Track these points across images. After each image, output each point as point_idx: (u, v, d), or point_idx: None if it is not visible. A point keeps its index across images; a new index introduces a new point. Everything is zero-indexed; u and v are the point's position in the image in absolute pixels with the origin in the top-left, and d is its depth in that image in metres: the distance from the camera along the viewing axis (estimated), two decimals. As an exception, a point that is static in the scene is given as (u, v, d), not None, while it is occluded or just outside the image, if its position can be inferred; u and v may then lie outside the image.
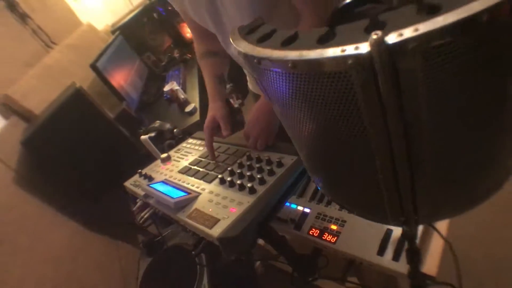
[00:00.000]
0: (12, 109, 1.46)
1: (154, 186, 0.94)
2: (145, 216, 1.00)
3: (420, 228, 0.78)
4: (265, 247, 1.04)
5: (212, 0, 0.83)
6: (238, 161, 0.88)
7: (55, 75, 1.73)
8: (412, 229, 0.55)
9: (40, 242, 1.23)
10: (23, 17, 1.78)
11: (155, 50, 2.76)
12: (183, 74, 2.35)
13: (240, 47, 0.40)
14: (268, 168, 0.79)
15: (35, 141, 1.34)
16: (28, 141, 1.33)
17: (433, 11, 0.27)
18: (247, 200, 0.72)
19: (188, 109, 1.89)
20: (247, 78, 1.31)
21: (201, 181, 0.91)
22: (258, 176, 0.77)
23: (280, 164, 0.80)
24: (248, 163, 0.85)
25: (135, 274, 1.44)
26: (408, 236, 0.55)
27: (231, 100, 2.10)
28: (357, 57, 0.27)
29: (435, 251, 0.79)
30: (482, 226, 1.37)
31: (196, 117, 1.82)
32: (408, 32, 0.26)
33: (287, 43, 0.35)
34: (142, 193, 0.99)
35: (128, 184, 1.13)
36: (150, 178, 1.08)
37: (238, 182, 0.78)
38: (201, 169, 0.97)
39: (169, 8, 2.54)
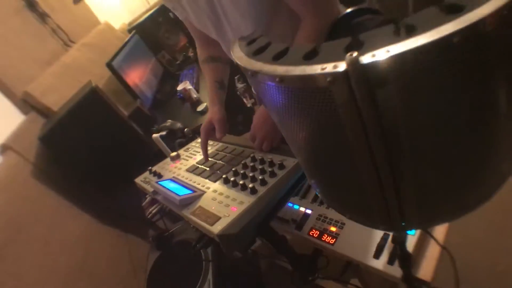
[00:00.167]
0: (31, 105, 1.53)
1: (162, 183, 0.98)
2: (153, 211, 1.05)
3: (417, 233, 0.79)
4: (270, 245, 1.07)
5: (214, 8, 0.86)
6: (243, 162, 0.91)
7: (72, 73, 1.80)
8: (401, 234, 0.57)
9: (55, 233, 1.29)
10: (43, 17, 1.85)
11: (170, 49, 2.81)
12: (197, 73, 2.39)
13: (237, 59, 0.43)
14: (270, 169, 0.81)
15: (53, 137, 1.40)
16: (45, 136, 1.39)
17: (409, 32, 0.29)
18: (248, 200, 0.75)
19: (200, 108, 1.93)
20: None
21: (207, 180, 0.94)
22: (260, 177, 0.80)
23: (281, 166, 0.82)
24: (251, 164, 0.88)
25: (144, 267, 1.49)
26: (397, 241, 0.57)
27: (244, 100, 2.13)
28: (335, 75, 0.30)
29: (431, 256, 0.80)
30: (485, 233, 1.36)
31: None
32: (380, 53, 0.28)
33: (278, 58, 0.38)
34: (151, 189, 1.04)
35: (138, 180, 1.17)
36: (159, 176, 1.12)
37: (241, 182, 0.81)
38: (207, 169, 1.01)
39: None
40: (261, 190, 0.77)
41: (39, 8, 1.83)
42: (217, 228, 0.69)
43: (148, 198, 1.05)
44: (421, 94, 0.30)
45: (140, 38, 2.44)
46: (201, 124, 1.82)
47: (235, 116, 0.94)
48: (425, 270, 0.78)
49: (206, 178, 0.96)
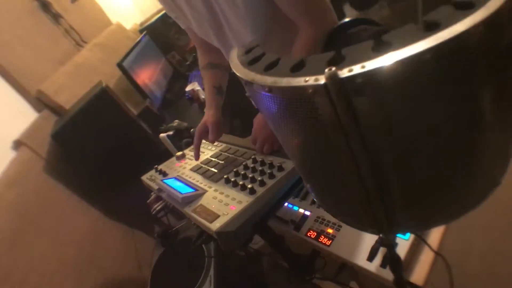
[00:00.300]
0: (44, 103, 1.59)
1: (167, 181, 1.02)
2: (158, 208, 1.09)
3: (411, 238, 0.81)
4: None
5: (215, 17, 0.90)
6: (244, 163, 0.94)
7: (84, 72, 1.85)
8: (389, 237, 0.59)
9: (64, 226, 1.34)
10: (56, 17, 1.91)
11: (180, 49, 2.85)
12: (205, 75, 2.42)
13: (233, 68, 0.46)
14: (269, 171, 0.84)
15: (64, 134, 1.45)
16: (57, 134, 1.45)
17: (385, 48, 0.32)
18: (246, 200, 0.78)
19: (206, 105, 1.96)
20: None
21: (209, 180, 0.97)
22: (259, 178, 0.82)
23: (280, 169, 0.85)
24: (252, 165, 0.91)
25: (149, 262, 1.53)
26: (385, 244, 0.59)
27: (253, 102, 2.17)
28: (316, 87, 0.33)
29: (425, 261, 0.81)
30: (486, 242, 1.36)
31: (214, 117, 1.89)
32: (357, 68, 0.31)
33: (269, 69, 0.40)
34: (156, 187, 1.07)
35: (144, 178, 1.21)
36: (164, 174, 1.16)
37: (241, 182, 0.84)
38: (210, 168, 1.04)
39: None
40: (260, 190, 0.80)
41: (52, 9, 1.89)
42: (215, 226, 0.72)
43: (153, 195, 1.09)
44: (396, 106, 0.33)
45: (151, 38, 2.49)
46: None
47: (249, 118, 0.97)
48: (418, 274, 0.80)
49: (208, 177, 0.99)
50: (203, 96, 2.06)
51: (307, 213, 1.00)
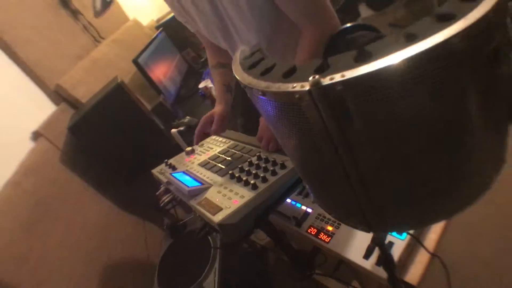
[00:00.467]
0: (62, 97, 1.66)
1: (175, 175, 1.06)
2: (166, 200, 1.13)
3: (407, 238, 0.83)
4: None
5: (222, 20, 0.93)
6: (249, 160, 0.98)
7: (101, 67, 1.91)
8: (379, 235, 0.62)
9: (78, 214, 1.40)
10: (75, 13, 1.97)
11: (195, 46, 2.89)
12: (218, 72, 2.46)
13: (234, 71, 0.50)
14: (272, 168, 0.87)
15: (80, 127, 1.52)
16: (74, 126, 1.51)
17: (366, 58, 0.35)
18: (248, 195, 0.81)
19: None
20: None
21: (215, 175, 1.01)
22: (262, 174, 0.86)
23: (283, 166, 0.88)
24: (256, 162, 0.94)
25: (157, 252, 1.58)
26: (375, 242, 0.62)
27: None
28: (301, 93, 0.36)
29: (420, 261, 0.84)
30: (490, 247, 1.35)
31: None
32: (337, 77, 0.34)
33: (264, 73, 0.44)
34: (165, 180, 1.12)
35: (155, 171, 1.26)
36: (174, 168, 1.20)
37: (244, 178, 0.87)
38: (217, 164, 1.08)
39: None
40: (262, 186, 0.83)
41: (71, 5, 1.96)
42: (218, 218, 0.76)
43: (162, 188, 1.14)
44: (374, 111, 0.36)
45: (167, 35, 2.54)
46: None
47: (253, 117, 1.01)
48: (413, 274, 0.82)
49: (215, 172, 1.03)
50: (215, 93, 2.10)
51: (309, 210, 1.03)
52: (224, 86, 1.15)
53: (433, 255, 0.84)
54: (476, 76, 0.37)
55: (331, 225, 0.94)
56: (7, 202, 1.14)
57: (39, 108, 1.55)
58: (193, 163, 1.18)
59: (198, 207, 0.86)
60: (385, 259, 0.66)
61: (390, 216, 0.51)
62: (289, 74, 0.40)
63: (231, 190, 0.87)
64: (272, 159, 0.92)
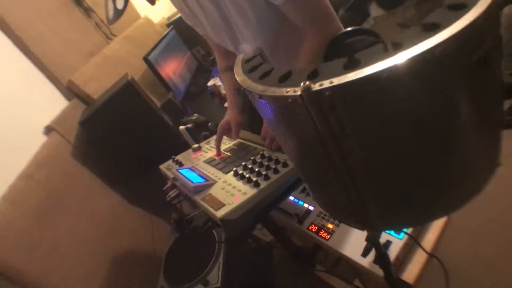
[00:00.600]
0: (74, 93, 1.70)
1: (182, 171, 1.09)
2: (172, 195, 1.17)
3: (404, 237, 0.85)
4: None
5: (229, 25, 0.95)
6: (252, 158, 1.00)
7: (112, 64, 1.96)
8: (373, 233, 0.64)
9: (87, 206, 1.45)
10: (88, 11, 2.02)
11: (205, 44, 2.92)
12: (227, 71, 2.48)
13: (236, 75, 0.52)
14: (274, 167, 0.90)
15: (91, 122, 1.56)
16: (85, 122, 1.56)
17: (354, 65, 0.37)
18: (250, 192, 0.84)
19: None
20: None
21: (220, 172, 1.04)
22: (264, 172, 0.88)
23: (285, 165, 0.90)
24: (260, 160, 0.97)
25: (164, 245, 1.62)
26: (370, 240, 0.64)
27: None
28: (294, 97, 0.38)
29: (417, 261, 0.85)
30: (493, 250, 1.36)
31: (233, 113, 1.95)
32: (326, 83, 0.36)
33: (263, 77, 0.46)
34: (172, 175, 1.15)
35: (162, 167, 1.30)
36: (180, 164, 1.24)
37: (247, 175, 0.90)
38: (222, 161, 1.11)
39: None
40: (263, 184, 0.86)
41: (84, 3, 2.00)
42: (220, 213, 0.79)
43: (169, 183, 1.17)
44: (361, 116, 0.38)
45: (177, 32, 2.57)
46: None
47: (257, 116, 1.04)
48: (410, 273, 0.84)
49: (219, 170, 1.06)
50: (223, 92, 2.13)
51: (311, 208, 1.05)
52: (235, 90, 1.18)
53: (431, 255, 0.86)
54: (462, 82, 0.39)
55: (332, 223, 0.96)
56: (20, 193, 1.18)
57: (52, 103, 1.60)
58: (199, 160, 1.22)
59: (202, 203, 0.89)
60: (380, 257, 0.68)
61: (381, 215, 0.53)
62: (285, 79, 0.42)
63: (234, 187, 0.90)
64: (275, 158, 0.94)
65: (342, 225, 0.95)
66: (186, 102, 2.35)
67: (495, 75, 0.45)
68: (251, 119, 1.30)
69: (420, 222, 0.59)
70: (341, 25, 0.83)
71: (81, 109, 1.68)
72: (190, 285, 1.31)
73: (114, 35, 2.17)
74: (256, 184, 0.86)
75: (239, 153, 1.11)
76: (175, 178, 1.13)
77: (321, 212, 1.02)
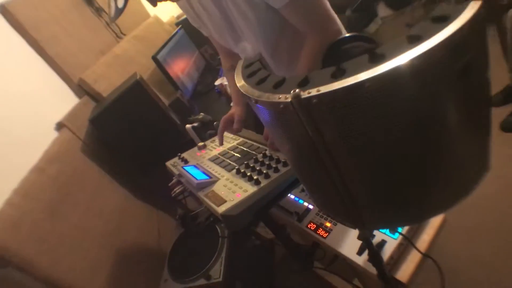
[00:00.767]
0: (85, 90, 1.75)
1: (186, 168, 1.13)
2: (177, 191, 1.21)
3: (399, 237, 0.88)
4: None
5: (233, 28, 0.99)
6: (255, 157, 1.04)
7: (122, 63, 2.00)
8: (364, 232, 0.67)
9: (95, 201, 1.50)
10: (98, 11, 2.07)
11: (212, 43, 2.96)
12: (234, 69, 2.51)
13: (236, 80, 0.55)
14: (275, 166, 0.93)
15: (101, 119, 1.61)
16: (95, 119, 1.61)
17: (341, 75, 0.40)
18: (251, 189, 0.88)
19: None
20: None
21: (223, 169, 1.08)
22: (265, 171, 0.92)
23: (285, 164, 0.94)
24: (261, 159, 1.00)
25: (169, 240, 1.67)
26: (361, 238, 0.67)
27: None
28: (285, 103, 0.41)
29: (412, 260, 0.88)
30: (492, 252, 1.37)
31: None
32: (313, 91, 0.39)
33: (259, 83, 0.49)
34: (177, 172, 1.19)
35: (168, 163, 1.34)
36: (186, 161, 1.28)
37: (249, 173, 0.94)
38: (226, 160, 1.14)
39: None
40: (264, 182, 0.89)
41: (95, 3, 2.05)
42: (221, 209, 0.83)
43: (175, 180, 1.21)
44: (347, 123, 0.41)
45: (186, 32, 2.61)
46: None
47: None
48: (403, 272, 0.87)
49: (223, 167, 1.09)
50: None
51: (310, 206, 1.08)
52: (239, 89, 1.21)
53: (425, 256, 0.88)
54: (443, 92, 0.42)
55: (330, 222, 0.99)
56: (32, 186, 1.23)
57: (63, 101, 1.65)
58: (204, 157, 1.25)
59: (205, 199, 0.93)
60: (372, 255, 0.71)
61: (372, 215, 0.56)
62: (279, 85, 0.45)
63: (236, 184, 0.93)
64: (276, 157, 0.98)
65: (340, 224, 0.97)
66: (194, 100, 2.39)
67: (480, 85, 0.47)
68: (256, 119, 1.33)
69: (410, 222, 0.61)
70: (341, 27, 0.86)
71: (91, 106, 1.73)
72: (193, 279, 1.35)
73: (124, 34, 2.22)
74: (257, 182, 0.89)
75: (243, 152, 1.14)
76: (180, 175, 1.17)
77: (320, 211, 1.05)
